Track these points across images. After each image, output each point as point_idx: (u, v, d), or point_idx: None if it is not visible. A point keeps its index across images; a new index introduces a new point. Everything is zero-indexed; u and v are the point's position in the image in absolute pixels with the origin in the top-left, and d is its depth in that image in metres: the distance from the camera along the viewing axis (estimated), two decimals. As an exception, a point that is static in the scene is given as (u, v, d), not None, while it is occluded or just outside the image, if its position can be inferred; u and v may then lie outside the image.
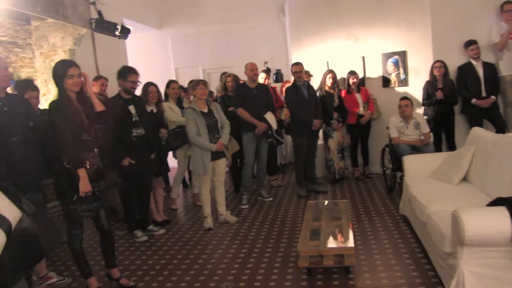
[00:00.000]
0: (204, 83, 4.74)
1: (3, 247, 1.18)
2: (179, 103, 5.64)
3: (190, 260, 3.87)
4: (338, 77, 6.40)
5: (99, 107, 3.11)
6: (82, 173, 2.89)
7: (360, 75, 6.56)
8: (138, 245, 4.35)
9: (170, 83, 5.63)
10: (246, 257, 3.83)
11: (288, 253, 3.82)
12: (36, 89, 4.02)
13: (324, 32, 6.84)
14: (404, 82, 6.62)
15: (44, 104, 4.98)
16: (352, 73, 6.38)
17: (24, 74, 5.16)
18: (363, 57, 6.74)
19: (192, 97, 6.32)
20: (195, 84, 4.72)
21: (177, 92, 5.60)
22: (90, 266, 3.32)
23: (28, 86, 3.94)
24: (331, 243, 3.40)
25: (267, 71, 7.02)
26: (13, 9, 4.39)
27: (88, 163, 2.99)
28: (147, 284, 3.44)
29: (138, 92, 5.20)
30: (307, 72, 6.29)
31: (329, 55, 6.79)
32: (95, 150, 3.09)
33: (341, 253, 3.30)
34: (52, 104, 3.02)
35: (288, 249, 3.92)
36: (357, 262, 3.45)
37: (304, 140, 5.71)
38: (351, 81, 6.34)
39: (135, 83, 4.30)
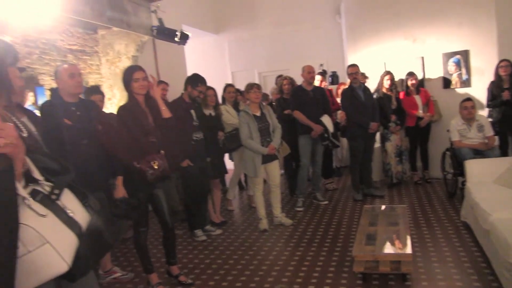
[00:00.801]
0: (257, 86, 4.81)
1: (76, 247, 1.29)
2: (236, 106, 5.75)
3: (245, 260, 3.95)
4: (396, 79, 6.25)
5: (165, 113, 3.28)
6: (118, 180, 3.07)
7: (419, 76, 6.37)
8: (196, 244, 4.49)
9: (226, 87, 5.78)
10: (301, 260, 3.85)
11: (343, 258, 3.80)
12: (100, 93, 4.30)
13: (380, 32, 6.71)
14: (466, 83, 6.36)
15: (109, 108, 5.29)
16: (411, 74, 6.22)
17: (91, 80, 5.49)
18: (422, 58, 6.53)
19: (248, 101, 6.44)
20: (249, 87, 4.81)
21: (233, 95, 5.73)
22: (151, 263, 3.48)
23: (94, 90, 4.23)
24: (388, 249, 3.34)
25: (323, 74, 6.99)
26: (82, 20, 4.69)
27: (156, 163, 3.16)
28: (204, 282, 3.55)
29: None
30: (362, 74, 6.20)
31: (386, 56, 6.65)
32: (161, 151, 3.26)
33: (398, 259, 3.24)
34: (121, 107, 3.25)
35: (343, 254, 3.89)
36: (415, 269, 3.37)
37: (361, 143, 5.63)
38: (409, 82, 6.18)
39: (202, 93, 4.47)
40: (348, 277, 3.40)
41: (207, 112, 4.98)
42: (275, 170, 4.91)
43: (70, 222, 1.29)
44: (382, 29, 6.69)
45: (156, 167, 3.16)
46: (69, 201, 1.35)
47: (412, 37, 6.56)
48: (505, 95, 5.47)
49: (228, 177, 6.01)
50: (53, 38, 4.93)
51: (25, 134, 1.67)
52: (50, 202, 1.27)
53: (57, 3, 3.98)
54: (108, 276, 3.68)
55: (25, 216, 1.18)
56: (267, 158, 4.73)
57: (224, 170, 5.42)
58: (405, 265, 3.18)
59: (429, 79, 6.54)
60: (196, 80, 4.50)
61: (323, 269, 3.60)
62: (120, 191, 3.04)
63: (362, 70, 6.14)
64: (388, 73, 6.11)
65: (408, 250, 3.27)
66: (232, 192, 5.81)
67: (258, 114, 4.75)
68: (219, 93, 5.52)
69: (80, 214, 1.37)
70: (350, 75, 5.61)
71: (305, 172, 5.62)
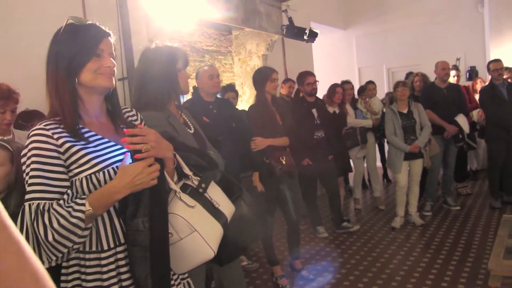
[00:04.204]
0: (404, 84, 4.82)
1: (221, 236, 1.44)
2: (354, 103, 5.67)
3: (368, 262, 3.90)
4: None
5: None
6: (255, 176, 3.24)
7: None
8: (318, 241, 4.56)
9: (343, 84, 5.70)
10: (428, 267, 3.68)
11: (476, 270, 3.53)
12: (234, 91, 4.59)
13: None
14: None
15: (240, 105, 5.61)
16: None
17: (225, 78, 5.88)
18: None
19: (367, 99, 6.29)
20: (396, 85, 4.78)
21: (351, 93, 5.65)
22: (276, 255, 3.64)
23: (228, 88, 4.54)
24: (531, 266, 3.02)
25: (457, 68, 6.48)
26: (219, 23, 5.05)
27: (284, 159, 3.32)
28: (325, 279, 3.60)
29: (323, 92, 5.47)
30: (508, 69, 5.60)
31: (538, 49, 5.93)
32: (287, 149, 3.40)
33: (543, 278, 2.91)
34: (252, 106, 3.46)
35: (476, 266, 3.62)
36: None
37: (502, 146, 5.12)
38: None
39: (313, 83, 4.49)
40: (481, 291, 3.17)
41: (331, 109, 5.00)
42: (418, 167, 4.82)
43: (216, 213, 1.42)
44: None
45: (284, 162, 3.31)
46: (215, 194, 1.48)
47: None
48: None
49: (351, 176, 5.96)
50: (193, 40, 5.40)
51: (192, 131, 1.91)
52: (198, 194, 1.41)
53: (198, 9, 4.35)
54: (236, 263, 3.95)
55: (176, 207, 1.35)
56: (412, 155, 4.69)
57: (348, 168, 5.39)
58: (552, 286, 2.84)
59: None
60: (300, 77, 4.52)
61: (453, 280, 3.40)
62: (258, 186, 3.23)
63: (507, 65, 5.56)
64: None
65: (556, 269, 2.91)
66: (358, 191, 5.75)
67: (404, 111, 4.74)
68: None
69: (226, 205, 1.49)
70: (493, 71, 5.12)
71: (436, 175, 5.31)
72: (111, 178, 1.25)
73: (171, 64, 1.80)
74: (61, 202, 1.18)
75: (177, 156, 1.44)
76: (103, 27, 1.34)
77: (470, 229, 4.55)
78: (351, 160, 5.63)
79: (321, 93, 5.50)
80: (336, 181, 4.85)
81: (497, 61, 5.14)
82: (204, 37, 5.65)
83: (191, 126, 1.87)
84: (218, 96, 3.78)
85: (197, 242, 1.33)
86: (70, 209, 1.16)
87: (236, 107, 4.87)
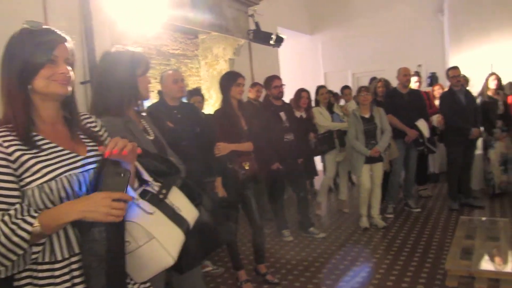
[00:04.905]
0: (366, 89, 4.95)
1: (182, 242, 1.43)
2: (330, 108, 5.75)
3: (332, 264, 3.96)
4: (504, 82, 5.78)
5: None
6: (218, 181, 3.23)
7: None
8: (283, 244, 4.60)
9: (319, 88, 5.78)
10: (389, 268, 3.78)
11: (435, 270, 3.65)
12: (200, 95, 4.58)
13: (488, 31, 6.26)
14: None
15: (206, 109, 5.60)
16: (524, 76, 5.71)
17: (191, 82, 5.85)
18: (538, 58, 5.97)
19: (342, 101, 6.41)
20: (358, 90, 4.89)
21: (326, 97, 5.72)
22: (241, 260, 3.65)
23: (194, 92, 4.53)
24: (486, 265, 3.15)
25: (418, 74, 6.69)
26: (185, 26, 5.03)
27: (247, 164, 3.33)
28: (290, 283, 3.64)
29: (290, 97, 5.52)
30: (463, 77, 5.82)
31: (494, 57, 6.18)
32: (252, 154, 3.42)
33: (497, 277, 3.03)
34: (217, 111, 3.46)
35: (434, 266, 3.74)
36: (516, 289, 3.12)
37: (460, 150, 5.32)
38: (520, 85, 5.68)
39: (279, 87, 4.53)
40: (439, 291, 3.28)
41: (298, 114, 5.06)
42: (378, 171, 4.96)
43: (177, 219, 1.40)
44: (491, 28, 6.24)
45: (247, 168, 3.32)
46: (178, 199, 1.46)
47: (526, 36, 6.04)
48: None
49: (318, 180, 6.02)
50: (159, 43, 5.35)
51: (151, 137, 1.88)
52: (158, 201, 1.39)
53: (165, 12, 4.31)
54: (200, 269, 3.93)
55: (134, 214, 1.32)
56: (372, 159, 4.81)
57: (314, 172, 5.45)
58: (505, 285, 2.96)
59: (544, 82, 5.96)
60: (267, 81, 4.58)
61: (413, 280, 3.50)
62: (221, 191, 3.22)
63: (465, 72, 5.80)
64: (493, 74, 5.68)
65: (509, 268, 3.05)
66: (323, 195, 5.78)
67: (366, 116, 4.83)
68: (312, 94, 5.55)
69: (188, 211, 1.48)
70: (451, 78, 5.31)
71: (397, 178, 5.46)
72: (64, 187, 1.23)
73: (131, 68, 1.77)
74: (6, 218, 1.13)
75: (136, 162, 1.42)
76: (59, 32, 1.31)
77: (430, 230, 4.70)
78: (323, 164, 5.70)
79: (288, 98, 5.57)
80: (306, 184, 4.91)
81: (455, 68, 5.34)
82: (170, 41, 5.61)
83: (151, 133, 1.85)
84: (184, 100, 3.76)
85: (156, 249, 1.31)
86: (15, 227, 1.12)
87: (203, 111, 4.86)
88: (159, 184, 1.44)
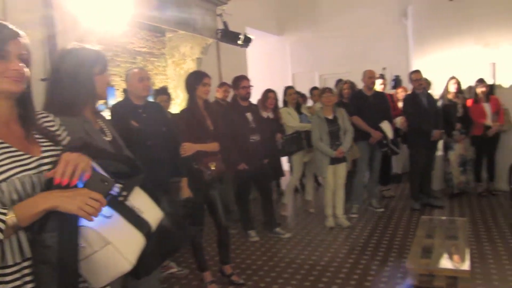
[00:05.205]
0: (330, 90, 5.00)
1: (143, 246, 1.39)
2: (298, 108, 5.79)
3: (297, 264, 4.00)
4: (464, 86, 6.00)
5: None
6: (183, 182, 3.20)
7: (489, 83, 6.06)
8: (249, 245, 4.60)
9: (287, 89, 5.81)
10: (353, 267, 3.84)
11: (396, 269, 3.74)
12: (166, 94, 4.53)
13: (450, 36, 6.48)
14: (542, 91, 5.97)
15: (173, 108, 5.53)
16: (481, 81, 5.93)
17: (157, 81, 5.78)
18: (494, 64, 6.21)
19: (310, 102, 6.47)
20: (321, 91, 4.91)
21: (294, 97, 5.75)
22: (206, 261, 3.63)
23: (161, 91, 4.48)
24: (444, 263, 3.25)
25: (383, 77, 6.85)
26: (152, 24, 4.95)
27: (213, 165, 3.31)
28: (255, 283, 3.65)
29: (257, 98, 5.54)
30: (425, 80, 5.99)
31: (454, 62, 6.40)
32: (218, 154, 3.40)
33: (454, 275, 3.13)
34: (182, 110, 3.43)
35: (396, 264, 3.83)
36: (473, 286, 3.25)
37: (422, 151, 5.48)
38: (479, 89, 5.89)
39: (247, 87, 4.54)
40: (400, 289, 3.36)
41: (265, 114, 5.08)
42: (342, 171, 5.02)
43: (138, 222, 1.35)
44: (452, 33, 6.46)
45: (213, 168, 3.30)
46: (140, 200, 1.41)
47: (484, 42, 6.26)
48: None
49: (284, 180, 6.06)
50: (125, 41, 5.25)
51: (109, 138, 1.82)
52: (117, 203, 1.34)
53: (131, 9, 4.23)
54: (165, 271, 3.87)
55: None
56: (336, 160, 4.89)
57: (280, 173, 5.48)
58: (462, 282, 3.07)
59: (500, 87, 6.21)
60: (235, 81, 4.58)
61: (376, 279, 3.58)
62: (186, 192, 3.18)
63: (428, 75, 5.97)
64: (453, 78, 5.88)
65: (466, 266, 3.15)
66: (288, 196, 5.82)
67: (330, 117, 4.89)
68: (280, 95, 5.59)
69: (151, 212, 1.43)
70: (414, 81, 5.46)
71: (361, 178, 5.56)
72: (16, 189, 1.18)
73: (88, 67, 1.71)
74: None
75: (94, 164, 1.37)
76: (11, 27, 1.26)
77: (393, 230, 4.82)
78: (290, 164, 5.72)
79: (255, 98, 5.58)
80: (271, 185, 4.93)
81: (417, 72, 5.49)
82: (137, 38, 5.51)
83: (108, 133, 1.79)
84: (150, 99, 3.71)
85: (112, 255, 1.27)
86: None
87: (169, 110, 4.80)
88: (119, 185, 1.39)
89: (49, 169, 1.25)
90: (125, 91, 3.81)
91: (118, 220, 1.33)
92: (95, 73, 1.72)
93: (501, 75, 6.20)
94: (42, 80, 3.48)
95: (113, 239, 1.27)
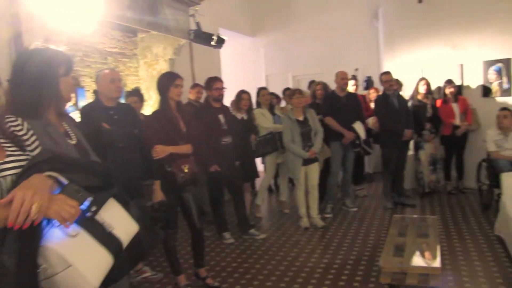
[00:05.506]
0: (300, 92, 4.99)
1: (110, 265, 1.32)
2: (271, 109, 5.80)
3: (272, 265, 3.99)
4: (434, 86, 6.14)
5: None
6: (156, 185, 3.14)
7: (457, 84, 6.23)
8: (224, 247, 4.57)
9: (260, 90, 5.82)
10: (327, 267, 3.87)
11: (370, 267, 3.78)
12: (137, 95, 4.47)
13: (419, 38, 6.59)
14: (507, 92, 6.18)
15: (145, 110, 5.45)
16: (449, 82, 6.09)
17: (129, 82, 5.68)
18: (462, 65, 6.38)
19: (283, 103, 6.48)
20: (292, 93, 4.91)
21: (268, 98, 5.76)
22: (180, 264, 3.58)
23: (132, 92, 4.41)
24: (416, 261, 3.30)
25: (355, 78, 6.95)
26: (124, 24, 4.87)
27: (186, 167, 3.27)
28: (230, 286, 3.62)
29: (231, 99, 5.52)
30: (397, 81, 6.11)
31: (424, 63, 6.53)
32: (191, 156, 3.36)
33: (426, 272, 3.19)
34: (154, 112, 3.37)
35: (370, 263, 3.88)
36: (444, 283, 3.33)
37: (394, 151, 5.57)
38: (447, 90, 6.05)
39: (220, 89, 4.52)
40: (374, 287, 3.40)
41: (239, 115, 5.06)
42: (315, 172, 5.05)
43: (106, 239, 1.30)
44: (421, 35, 6.57)
45: (186, 170, 3.26)
46: (112, 215, 1.35)
47: (452, 44, 6.42)
48: None
49: (259, 181, 6.06)
50: (95, 41, 5.14)
51: (74, 142, 1.75)
52: (85, 219, 1.28)
53: (100, 9, 4.15)
54: (138, 275, 3.80)
55: (52, 238, 1.22)
56: (308, 161, 4.92)
57: (255, 174, 5.47)
58: (434, 279, 3.12)
59: (468, 87, 6.38)
60: (209, 82, 4.55)
61: (350, 278, 3.61)
62: (159, 195, 3.13)
63: (398, 76, 6.08)
64: (423, 79, 6.02)
65: (437, 263, 3.21)
66: (261, 197, 5.81)
67: (301, 118, 4.92)
68: (254, 96, 5.58)
69: (123, 227, 1.38)
70: (384, 82, 5.56)
71: (335, 178, 5.61)
72: None
73: (51, 68, 1.65)
74: None
75: (61, 178, 1.29)
76: None
77: (366, 229, 4.88)
78: (264, 165, 5.72)
79: (229, 99, 5.56)
80: (242, 187, 4.91)
81: (387, 73, 5.60)
82: (108, 38, 5.40)
83: (73, 137, 1.73)
84: (122, 101, 3.64)
85: (73, 277, 1.22)
86: None
87: (142, 112, 4.73)
88: (91, 198, 1.33)
89: (12, 175, 1.21)
90: (95, 92, 3.72)
91: (84, 239, 1.27)
92: (59, 75, 1.66)
93: (468, 76, 6.36)
94: (8, 81, 3.39)
95: (75, 261, 1.22)
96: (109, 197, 1.40)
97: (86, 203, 1.29)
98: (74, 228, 1.24)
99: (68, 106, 4.07)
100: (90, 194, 1.31)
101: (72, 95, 4.48)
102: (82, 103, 4.50)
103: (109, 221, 1.33)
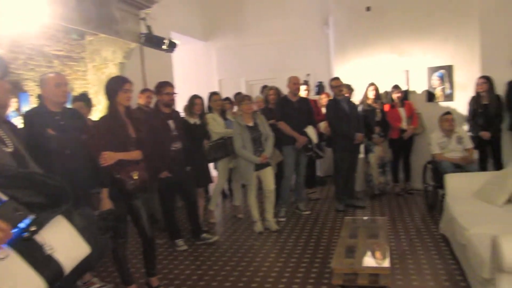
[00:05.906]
0: (249, 98, 5.03)
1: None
2: (223, 114, 5.77)
3: (226, 271, 3.96)
4: (381, 91, 6.35)
5: None
6: (104, 193, 3.05)
7: (404, 89, 6.47)
8: (177, 254, 4.49)
9: (211, 95, 5.77)
10: (281, 271, 3.88)
11: (323, 269, 3.84)
12: (84, 100, 4.31)
13: (368, 45, 6.80)
14: (449, 97, 6.49)
15: (94, 115, 5.27)
16: (396, 87, 6.32)
17: (77, 86, 5.47)
18: (407, 71, 6.65)
19: (235, 108, 6.46)
20: (241, 99, 4.90)
21: (219, 103, 5.73)
22: (131, 274, 3.48)
23: (80, 98, 4.25)
24: (367, 262, 3.38)
25: (307, 83, 7.06)
26: (69, 26, 4.69)
27: (136, 174, 3.18)
28: (184, 293, 3.57)
29: (183, 104, 5.44)
30: (348, 86, 6.26)
31: (373, 69, 6.74)
32: (141, 163, 3.27)
33: (376, 272, 3.28)
34: (102, 118, 3.26)
35: (323, 265, 3.93)
36: (393, 282, 3.41)
37: (346, 155, 5.70)
38: (394, 95, 6.27)
39: (171, 94, 4.45)
40: (327, 289, 3.45)
41: (192, 120, 5.01)
42: (269, 176, 5.07)
43: (41, 263, 1.21)
44: (370, 42, 6.78)
45: (135, 177, 3.17)
46: (57, 236, 1.26)
47: (399, 51, 6.67)
48: (484, 135, 5.70)
49: (212, 186, 6.01)
50: (40, 43, 4.91)
51: (10, 149, 1.64)
52: (21, 241, 1.19)
53: (45, 9, 3.97)
54: (87, 287, 3.65)
55: None
56: (260, 166, 4.94)
57: (208, 179, 5.42)
58: (384, 278, 3.21)
59: (413, 92, 6.66)
60: (159, 86, 4.46)
61: (303, 281, 3.64)
62: (107, 203, 3.02)
63: (348, 81, 6.23)
64: (372, 84, 6.22)
65: (386, 263, 3.31)
66: (214, 202, 5.76)
67: (250, 124, 4.93)
68: (206, 101, 5.54)
69: (68, 250, 1.29)
70: (334, 88, 5.68)
71: (288, 182, 5.66)
72: None
73: None
74: None
75: (1, 195, 1.20)
76: None
77: (319, 231, 4.95)
78: (217, 171, 5.67)
79: (181, 104, 5.48)
80: (195, 192, 4.85)
81: (337, 79, 5.74)
82: (53, 41, 5.18)
83: (9, 144, 1.62)
84: (69, 106, 3.50)
85: None
86: None
87: (89, 117, 4.57)
88: (31, 217, 1.22)
89: None
90: (40, 97, 3.56)
91: (14, 262, 1.17)
92: None
93: (413, 82, 6.63)
94: None
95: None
96: (56, 215, 1.29)
97: (27, 221, 1.20)
98: (4, 250, 1.14)
99: (8, 112, 3.87)
100: (31, 212, 1.21)
101: (13, 100, 4.30)
102: (25, 108, 4.29)
103: (52, 243, 1.24)
